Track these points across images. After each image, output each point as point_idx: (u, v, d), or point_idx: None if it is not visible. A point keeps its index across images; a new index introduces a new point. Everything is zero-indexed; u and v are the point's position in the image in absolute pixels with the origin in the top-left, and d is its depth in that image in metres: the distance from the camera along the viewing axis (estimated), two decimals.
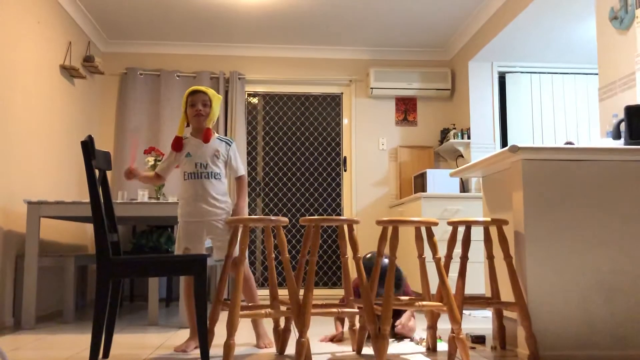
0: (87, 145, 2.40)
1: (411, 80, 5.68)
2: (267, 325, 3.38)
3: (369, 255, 3.24)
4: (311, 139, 5.84)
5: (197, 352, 2.76)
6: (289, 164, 5.80)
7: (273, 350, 2.80)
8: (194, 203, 2.88)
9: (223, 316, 3.89)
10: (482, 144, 5.30)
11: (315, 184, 5.79)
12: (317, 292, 5.54)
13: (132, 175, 2.88)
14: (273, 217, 2.54)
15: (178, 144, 2.94)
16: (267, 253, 2.71)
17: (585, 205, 2.61)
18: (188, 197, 2.90)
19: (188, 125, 2.99)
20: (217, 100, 2.97)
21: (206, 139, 2.92)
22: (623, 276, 2.59)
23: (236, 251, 2.58)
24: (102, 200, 2.45)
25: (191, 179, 2.90)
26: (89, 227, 5.18)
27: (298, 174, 5.79)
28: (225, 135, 5.48)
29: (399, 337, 3.10)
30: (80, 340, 3.11)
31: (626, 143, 2.72)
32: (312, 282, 2.46)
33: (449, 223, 2.76)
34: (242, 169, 3.05)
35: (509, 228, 2.79)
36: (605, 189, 2.63)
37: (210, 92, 2.95)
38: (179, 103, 5.49)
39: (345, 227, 2.70)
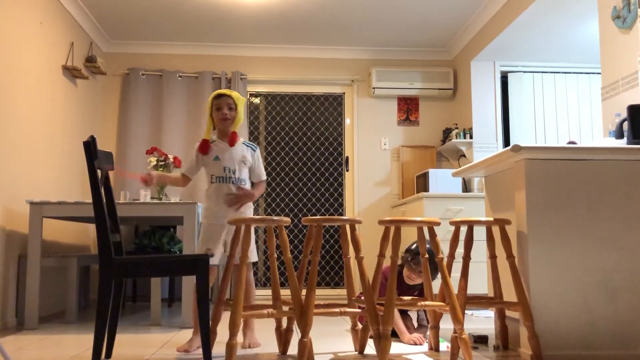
0: (90, 146, 2.40)
1: (413, 80, 5.67)
2: (270, 325, 3.38)
3: (414, 247, 3.11)
4: (313, 139, 5.84)
5: (199, 352, 2.76)
6: (291, 164, 5.80)
7: (275, 350, 2.80)
8: (219, 206, 2.93)
9: (226, 316, 3.88)
10: (485, 143, 5.30)
11: (318, 184, 5.78)
12: (319, 292, 5.54)
13: (150, 180, 2.88)
14: (275, 217, 2.54)
15: (206, 147, 2.98)
16: (269, 253, 2.71)
17: (588, 204, 2.61)
18: (214, 200, 2.95)
19: (214, 129, 3.05)
20: (241, 103, 3.03)
21: (232, 143, 2.99)
22: (626, 276, 2.58)
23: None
24: (104, 201, 2.45)
25: (219, 183, 2.95)
26: (92, 228, 5.18)
27: (300, 174, 5.78)
28: None
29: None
30: (82, 340, 3.11)
31: (629, 142, 2.72)
32: (314, 282, 2.46)
33: (452, 223, 2.76)
34: (264, 175, 3.15)
35: (511, 228, 2.79)
36: (608, 188, 2.62)
37: (235, 94, 3.00)
38: (181, 103, 5.51)
39: (348, 227, 2.70)
